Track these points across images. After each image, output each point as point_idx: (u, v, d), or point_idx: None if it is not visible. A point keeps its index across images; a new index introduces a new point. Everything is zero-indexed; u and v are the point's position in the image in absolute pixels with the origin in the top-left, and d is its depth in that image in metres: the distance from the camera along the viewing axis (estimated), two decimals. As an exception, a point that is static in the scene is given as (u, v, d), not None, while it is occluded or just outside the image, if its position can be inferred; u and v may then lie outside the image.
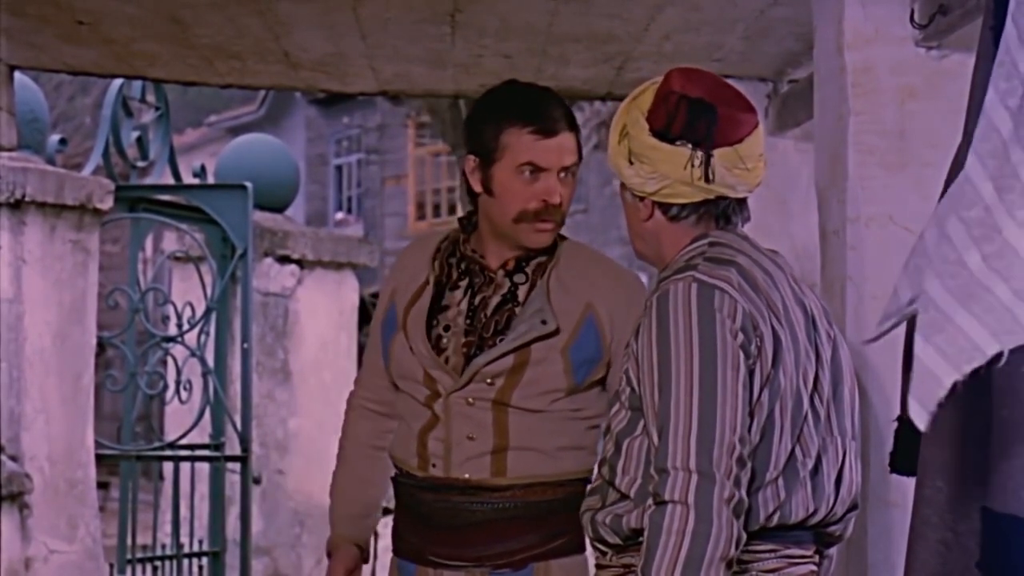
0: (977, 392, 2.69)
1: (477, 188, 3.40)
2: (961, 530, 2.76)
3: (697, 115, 2.91)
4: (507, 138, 3.35)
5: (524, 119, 3.35)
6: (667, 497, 2.74)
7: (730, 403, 2.77)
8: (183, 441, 7.12)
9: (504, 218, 3.37)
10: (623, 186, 3.03)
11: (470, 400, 3.34)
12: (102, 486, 9.20)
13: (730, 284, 2.84)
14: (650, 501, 2.82)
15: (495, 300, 3.40)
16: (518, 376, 3.32)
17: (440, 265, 3.46)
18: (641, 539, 2.84)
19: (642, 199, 3.00)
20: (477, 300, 3.41)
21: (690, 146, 2.91)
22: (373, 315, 3.58)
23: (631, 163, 2.96)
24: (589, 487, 3.08)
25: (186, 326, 7.02)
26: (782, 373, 2.85)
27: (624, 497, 2.93)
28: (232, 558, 7.37)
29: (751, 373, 2.81)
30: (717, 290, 2.83)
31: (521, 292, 3.39)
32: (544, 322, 3.32)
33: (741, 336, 2.80)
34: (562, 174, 3.36)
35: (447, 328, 3.40)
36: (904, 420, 3.14)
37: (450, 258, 3.47)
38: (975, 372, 2.45)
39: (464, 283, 3.43)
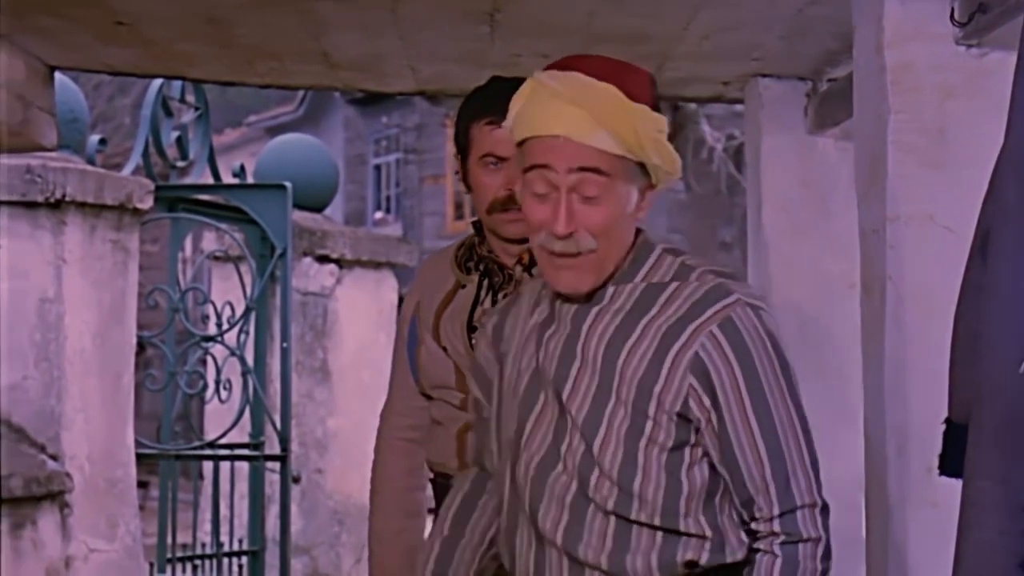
0: (1022, 388, 2.68)
1: (462, 184, 3.44)
2: (1006, 531, 2.74)
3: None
4: (472, 132, 3.40)
5: (482, 112, 3.37)
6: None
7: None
8: (222, 440, 7.14)
9: (481, 211, 3.40)
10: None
11: None
12: (142, 485, 9.23)
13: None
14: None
15: None
16: None
17: (464, 268, 3.46)
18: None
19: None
20: (500, 297, 3.41)
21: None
22: (395, 335, 3.57)
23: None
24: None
25: (225, 325, 7.04)
26: None
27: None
28: (272, 557, 7.39)
29: None
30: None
31: None
32: None
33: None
34: None
35: (474, 329, 3.40)
36: (951, 422, 3.12)
37: (468, 262, 3.47)
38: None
39: (485, 283, 3.44)
